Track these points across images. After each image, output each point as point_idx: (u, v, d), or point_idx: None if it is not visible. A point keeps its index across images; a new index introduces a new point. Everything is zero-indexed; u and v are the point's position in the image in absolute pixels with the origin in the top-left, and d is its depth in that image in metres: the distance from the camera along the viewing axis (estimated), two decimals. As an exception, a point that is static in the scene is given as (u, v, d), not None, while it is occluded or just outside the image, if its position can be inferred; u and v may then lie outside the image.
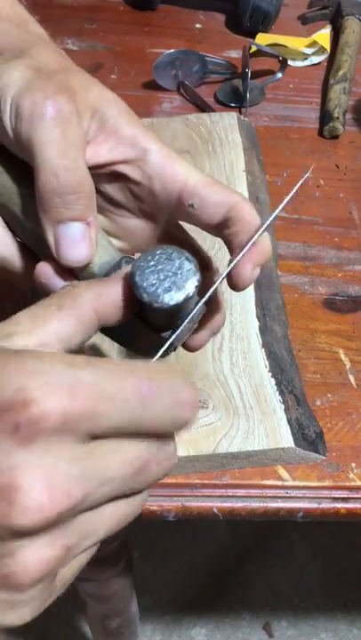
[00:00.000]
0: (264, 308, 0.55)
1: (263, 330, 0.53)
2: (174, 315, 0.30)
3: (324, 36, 0.91)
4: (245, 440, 0.47)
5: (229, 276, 0.34)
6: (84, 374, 0.24)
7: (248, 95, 0.79)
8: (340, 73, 0.83)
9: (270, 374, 0.50)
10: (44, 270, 0.33)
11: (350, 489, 0.48)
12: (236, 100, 0.81)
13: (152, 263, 0.29)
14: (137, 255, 0.32)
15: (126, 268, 0.30)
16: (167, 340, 0.31)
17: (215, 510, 0.47)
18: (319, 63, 0.89)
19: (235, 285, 0.34)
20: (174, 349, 0.33)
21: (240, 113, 0.79)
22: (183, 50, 0.84)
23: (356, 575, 1.34)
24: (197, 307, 0.31)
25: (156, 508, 0.46)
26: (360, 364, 0.55)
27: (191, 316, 0.31)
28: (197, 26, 0.94)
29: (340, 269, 0.63)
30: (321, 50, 0.89)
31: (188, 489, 0.47)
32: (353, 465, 0.49)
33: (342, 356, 0.56)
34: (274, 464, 0.48)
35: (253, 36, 0.90)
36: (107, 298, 0.30)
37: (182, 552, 1.35)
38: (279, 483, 0.47)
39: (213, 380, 0.50)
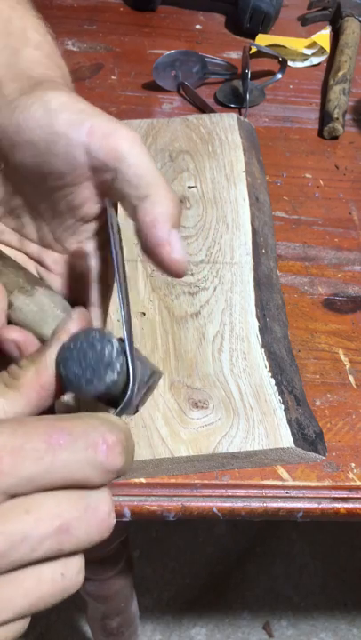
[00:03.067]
0: (264, 308, 0.56)
1: (263, 330, 0.54)
2: (108, 396, 0.30)
3: (323, 36, 0.91)
4: (245, 440, 0.47)
5: (159, 259, 0.33)
6: None
7: (248, 96, 0.79)
8: (340, 74, 0.83)
9: (270, 374, 0.51)
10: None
11: (350, 489, 0.48)
12: (235, 101, 0.81)
13: (75, 352, 0.29)
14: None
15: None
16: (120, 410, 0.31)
17: (215, 510, 0.47)
18: (319, 64, 0.89)
19: (166, 264, 0.33)
20: (135, 412, 0.33)
21: (240, 113, 0.79)
22: (183, 50, 0.84)
23: (356, 575, 1.34)
24: (132, 384, 0.31)
25: (156, 508, 0.46)
26: (360, 364, 0.55)
27: (129, 394, 0.31)
28: (197, 27, 0.94)
29: (340, 270, 0.63)
30: (321, 51, 0.89)
31: (188, 489, 0.47)
32: (353, 465, 0.49)
33: (342, 357, 0.56)
34: (274, 464, 0.48)
35: (253, 37, 0.91)
36: (45, 377, 0.30)
37: (182, 552, 1.35)
38: (279, 483, 0.47)
39: (213, 380, 0.50)
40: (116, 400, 0.31)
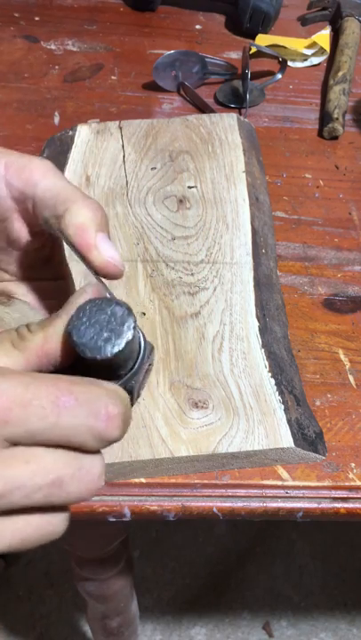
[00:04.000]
0: (264, 308, 0.56)
1: (263, 330, 0.54)
2: (121, 362, 0.30)
3: (323, 36, 0.91)
4: (245, 440, 0.47)
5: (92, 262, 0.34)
6: (2, 381, 0.25)
7: (248, 96, 0.79)
8: (340, 74, 0.83)
9: (270, 374, 0.51)
10: None
11: (350, 489, 0.48)
12: (235, 101, 0.81)
13: (85, 319, 0.30)
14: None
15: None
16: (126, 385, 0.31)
17: (215, 510, 0.47)
18: (319, 64, 0.89)
19: (101, 268, 0.34)
20: (138, 396, 0.33)
21: (240, 114, 0.79)
22: (183, 51, 0.84)
23: (357, 575, 1.34)
24: (143, 348, 0.32)
25: (156, 507, 0.46)
26: (360, 364, 0.55)
27: (141, 357, 0.31)
28: (197, 27, 0.94)
29: (340, 270, 0.63)
30: (321, 51, 0.89)
31: (188, 489, 0.47)
32: (353, 465, 0.49)
33: (342, 357, 0.56)
34: (274, 464, 0.48)
35: (253, 37, 0.91)
36: (51, 344, 0.30)
37: (182, 552, 1.35)
38: (279, 483, 0.47)
39: (213, 380, 0.50)
40: (124, 366, 0.31)
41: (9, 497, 0.25)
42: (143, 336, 0.32)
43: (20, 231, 0.37)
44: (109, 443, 0.28)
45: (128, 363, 0.31)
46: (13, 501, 0.26)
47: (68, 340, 0.29)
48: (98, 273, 0.34)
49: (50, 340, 0.30)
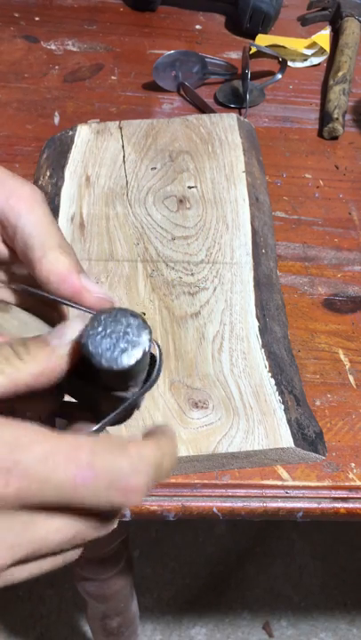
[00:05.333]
0: (264, 308, 0.56)
1: (263, 330, 0.54)
2: (134, 374, 0.30)
3: (323, 37, 0.91)
4: (245, 440, 0.47)
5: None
6: (22, 456, 0.25)
7: (248, 96, 0.79)
8: (340, 74, 0.83)
9: (270, 374, 0.51)
10: None
11: (350, 489, 0.48)
12: (235, 101, 0.81)
13: (100, 329, 0.29)
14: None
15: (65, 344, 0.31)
16: (129, 399, 0.31)
17: (215, 510, 0.47)
18: (319, 64, 0.89)
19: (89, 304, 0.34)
20: (137, 408, 0.33)
21: (240, 114, 0.79)
22: (183, 51, 0.84)
23: (357, 575, 1.34)
24: (158, 361, 0.32)
25: (156, 507, 0.46)
26: (360, 364, 0.55)
27: (157, 368, 0.31)
28: (197, 27, 0.94)
29: (340, 270, 0.63)
30: (321, 51, 0.89)
31: (188, 489, 0.47)
32: (353, 465, 0.49)
33: (342, 357, 0.56)
34: (274, 464, 0.48)
35: (253, 37, 0.91)
36: (56, 361, 0.30)
37: (182, 552, 1.35)
38: (279, 483, 0.47)
39: (213, 380, 0.50)
40: (137, 377, 0.30)
41: (38, 554, 0.26)
42: (159, 347, 0.32)
43: (1, 246, 0.37)
44: (130, 507, 0.28)
45: (141, 374, 0.31)
46: (39, 555, 0.27)
47: (82, 351, 0.29)
48: (91, 309, 0.34)
49: (54, 357, 0.29)
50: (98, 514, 0.27)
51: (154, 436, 0.29)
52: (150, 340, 0.30)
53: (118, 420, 0.31)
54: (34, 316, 0.36)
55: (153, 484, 0.27)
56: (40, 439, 0.26)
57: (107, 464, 0.26)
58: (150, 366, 0.31)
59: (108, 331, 0.29)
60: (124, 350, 0.29)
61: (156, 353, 0.31)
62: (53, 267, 0.33)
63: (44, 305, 0.37)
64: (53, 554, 0.28)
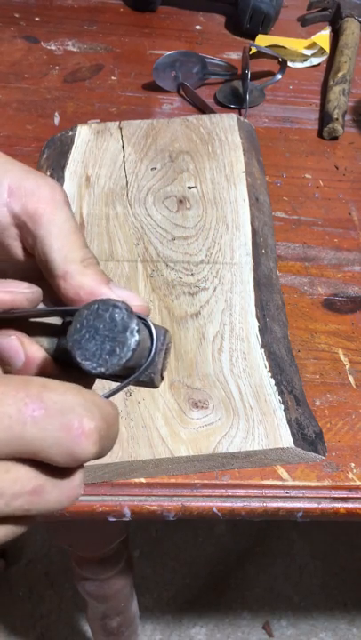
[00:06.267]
0: (264, 308, 0.56)
1: (263, 330, 0.54)
2: (131, 366, 0.28)
3: (323, 37, 0.91)
4: (245, 440, 0.47)
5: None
6: None
7: (248, 96, 0.79)
8: (340, 74, 0.83)
9: (270, 375, 0.51)
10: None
11: (350, 489, 0.48)
12: (235, 102, 0.81)
13: (84, 331, 0.27)
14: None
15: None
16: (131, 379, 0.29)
17: (215, 510, 0.47)
18: (319, 64, 0.89)
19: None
20: (162, 379, 0.31)
21: (240, 114, 0.79)
22: (183, 51, 0.84)
23: (356, 575, 1.34)
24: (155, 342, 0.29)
25: (156, 507, 0.46)
26: (359, 364, 0.56)
27: (154, 349, 0.29)
28: (197, 27, 0.94)
29: (340, 270, 0.63)
30: (320, 51, 0.89)
31: (188, 489, 0.47)
32: (352, 465, 0.49)
33: (342, 357, 0.56)
34: (274, 464, 0.48)
35: (253, 38, 0.91)
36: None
37: (182, 552, 1.35)
38: (279, 483, 0.47)
39: (213, 380, 0.50)
40: (136, 365, 0.29)
41: None
42: (153, 326, 0.29)
43: (17, 249, 0.34)
44: (83, 460, 0.25)
45: (140, 361, 0.29)
46: None
47: (70, 356, 0.27)
48: None
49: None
50: (56, 471, 0.25)
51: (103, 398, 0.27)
52: (139, 332, 0.27)
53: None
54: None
55: (102, 441, 0.25)
56: None
57: (59, 399, 0.24)
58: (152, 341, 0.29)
59: (92, 331, 0.27)
60: (111, 352, 0.27)
61: (153, 333, 0.29)
62: (81, 283, 0.31)
63: None
64: (6, 518, 0.25)
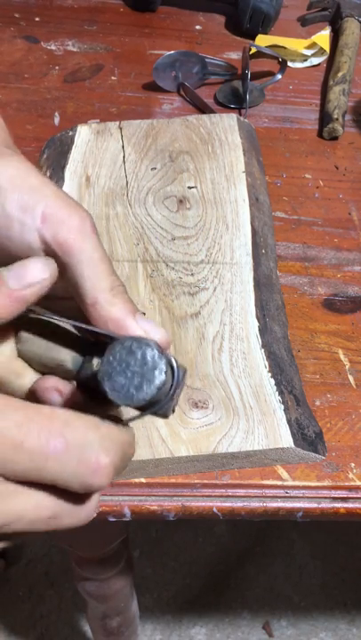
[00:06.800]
0: (264, 308, 0.56)
1: (263, 330, 0.54)
2: (153, 402, 0.30)
3: (323, 37, 0.91)
4: (245, 440, 0.47)
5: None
6: None
7: (248, 96, 0.79)
8: (340, 74, 0.83)
9: (270, 375, 0.51)
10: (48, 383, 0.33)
11: (350, 489, 0.48)
12: (235, 102, 0.81)
13: (115, 364, 0.29)
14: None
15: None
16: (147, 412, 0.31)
17: (215, 510, 0.47)
18: (319, 64, 0.89)
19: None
20: (173, 412, 0.33)
21: (240, 114, 0.79)
22: (183, 51, 0.84)
23: (356, 575, 1.34)
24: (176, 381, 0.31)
25: (156, 507, 0.46)
26: (359, 364, 0.56)
27: (174, 387, 0.31)
28: (197, 27, 0.94)
29: (340, 270, 0.63)
30: (320, 51, 0.89)
31: (188, 489, 0.47)
32: (352, 465, 0.49)
33: (342, 357, 0.56)
34: (274, 464, 0.48)
35: (253, 38, 0.91)
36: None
37: (182, 552, 1.35)
38: (279, 483, 0.47)
39: (213, 380, 0.50)
40: (158, 402, 0.31)
41: (11, 527, 0.27)
42: (176, 363, 0.31)
43: None
44: (98, 490, 0.28)
45: (161, 398, 0.31)
46: (16, 530, 0.27)
47: (99, 385, 0.29)
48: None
49: (9, 299, 0.29)
50: (73, 497, 0.28)
51: (119, 426, 0.30)
52: (166, 373, 0.30)
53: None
54: (50, 343, 0.35)
55: (117, 471, 0.28)
56: (16, 407, 0.27)
57: (78, 436, 0.27)
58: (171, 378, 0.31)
59: (123, 365, 0.29)
60: (138, 387, 0.29)
61: (176, 372, 0.31)
62: (108, 313, 0.33)
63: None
64: (22, 532, 0.28)
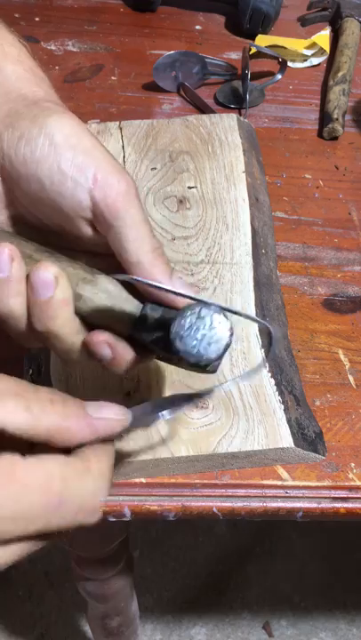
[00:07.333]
0: (264, 308, 0.56)
1: (263, 330, 0.54)
2: (217, 364, 0.35)
3: (323, 37, 0.91)
4: (245, 440, 0.47)
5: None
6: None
7: (248, 96, 0.79)
8: (340, 74, 0.83)
9: (270, 375, 0.51)
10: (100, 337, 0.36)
11: (350, 489, 0.48)
12: (235, 102, 0.81)
13: (187, 327, 0.33)
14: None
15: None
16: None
17: (215, 510, 0.47)
18: (319, 64, 0.89)
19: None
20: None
21: (240, 114, 0.79)
22: (183, 51, 0.84)
23: (356, 575, 1.34)
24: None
25: (156, 507, 0.46)
26: (359, 364, 0.56)
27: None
28: (197, 27, 0.94)
29: (340, 270, 0.63)
30: (320, 51, 0.89)
31: (188, 489, 0.47)
32: (352, 465, 0.49)
33: (342, 357, 0.56)
34: (273, 464, 0.48)
35: (253, 38, 0.91)
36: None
37: (182, 552, 1.35)
38: (279, 482, 0.48)
39: (213, 380, 0.50)
40: (219, 363, 0.35)
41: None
42: (270, 326, 0.37)
43: (87, 227, 0.38)
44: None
45: (220, 361, 0.35)
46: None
47: (172, 348, 0.33)
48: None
49: (79, 423, 0.32)
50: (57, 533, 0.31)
51: (104, 448, 0.32)
52: (231, 336, 0.33)
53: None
54: (119, 285, 0.37)
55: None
56: (11, 479, 0.29)
57: (75, 492, 0.30)
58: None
59: (194, 328, 0.33)
60: (207, 346, 0.33)
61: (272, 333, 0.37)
62: (150, 273, 0.36)
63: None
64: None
